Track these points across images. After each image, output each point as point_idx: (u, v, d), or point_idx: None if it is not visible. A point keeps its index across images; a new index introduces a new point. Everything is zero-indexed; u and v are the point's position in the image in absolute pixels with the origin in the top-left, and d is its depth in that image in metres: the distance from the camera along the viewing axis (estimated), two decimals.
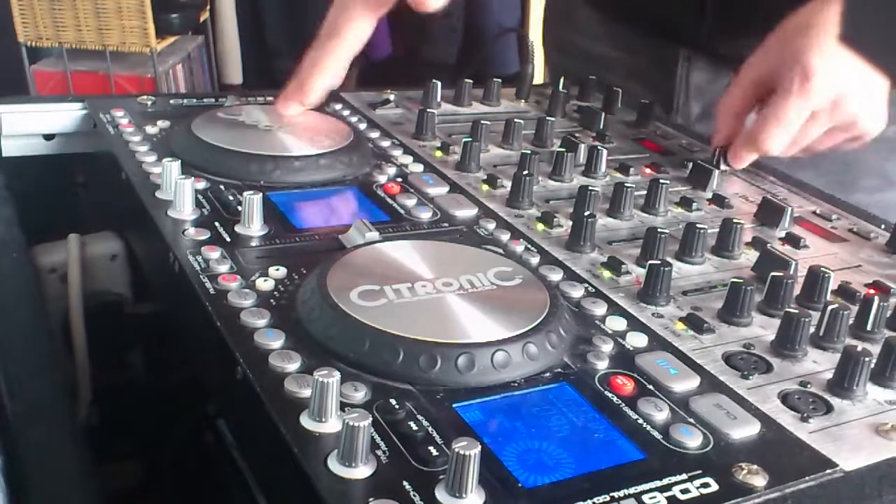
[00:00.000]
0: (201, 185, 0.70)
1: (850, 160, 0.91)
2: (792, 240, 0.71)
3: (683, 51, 1.03)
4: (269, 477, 0.50)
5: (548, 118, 0.89)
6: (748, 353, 0.55)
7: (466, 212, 0.71)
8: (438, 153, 0.83)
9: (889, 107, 0.77)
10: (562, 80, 0.99)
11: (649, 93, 1.00)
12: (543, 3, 1.25)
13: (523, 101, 1.02)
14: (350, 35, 0.79)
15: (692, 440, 0.46)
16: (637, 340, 0.55)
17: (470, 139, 0.81)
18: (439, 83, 0.96)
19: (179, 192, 0.65)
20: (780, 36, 0.77)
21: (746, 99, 0.80)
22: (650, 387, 0.50)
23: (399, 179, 0.76)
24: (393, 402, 0.46)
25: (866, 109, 0.76)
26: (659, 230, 0.65)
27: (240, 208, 0.65)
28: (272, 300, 0.55)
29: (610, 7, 1.09)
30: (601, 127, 0.93)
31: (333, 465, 0.41)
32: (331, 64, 0.80)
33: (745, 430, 0.47)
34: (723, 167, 0.82)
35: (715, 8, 0.95)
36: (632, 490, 0.42)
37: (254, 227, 0.63)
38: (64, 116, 0.87)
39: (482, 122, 0.85)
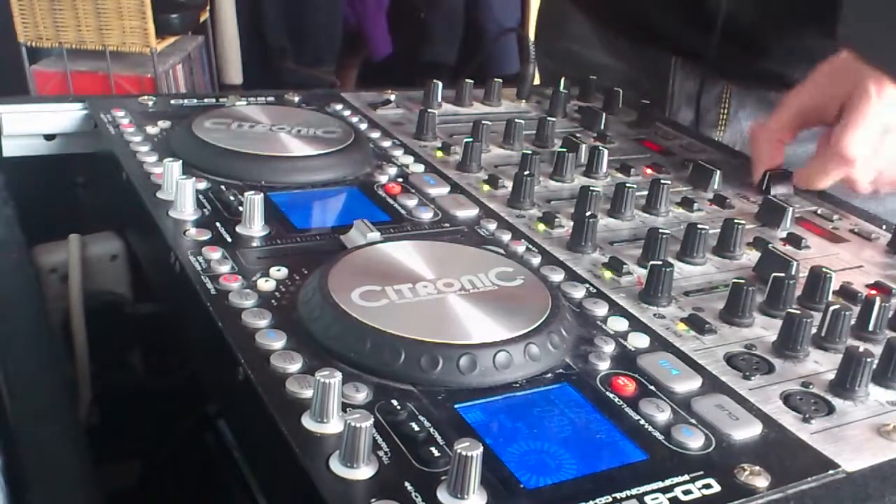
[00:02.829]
0: (202, 185, 0.70)
1: None
2: (793, 240, 0.71)
3: (675, 59, 1.03)
4: (270, 477, 0.50)
5: (549, 118, 0.89)
6: (750, 354, 0.55)
7: (467, 212, 0.71)
8: (439, 153, 0.83)
9: None
10: (562, 81, 0.99)
11: (641, 100, 1.00)
12: (537, 9, 1.25)
13: (524, 101, 1.02)
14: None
15: (694, 441, 0.46)
16: (638, 341, 0.55)
17: (471, 139, 0.81)
18: (440, 83, 0.96)
19: (180, 192, 0.65)
20: (828, 71, 0.78)
21: (788, 128, 0.81)
22: (652, 387, 0.50)
23: (400, 180, 0.76)
24: (394, 402, 0.46)
25: None
26: (660, 230, 0.65)
27: (241, 208, 0.64)
28: (273, 301, 0.54)
29: (604, 16, 1.09)
30: (602, 127, 0.93)
31: (335, 465, 0.41)
32: None
33: (746, 430, 0.47)
34: (773, 191, 0.80)
35: (725, 27, 0.95)
36: (634, 491, 0.42)
37: (255, 227, 0.63)
38: (64, 116, 0.87)
39: (483, 122, 0.84)
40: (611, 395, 0.49)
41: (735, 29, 0.95)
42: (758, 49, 0.95)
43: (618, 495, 0.42)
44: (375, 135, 0.86)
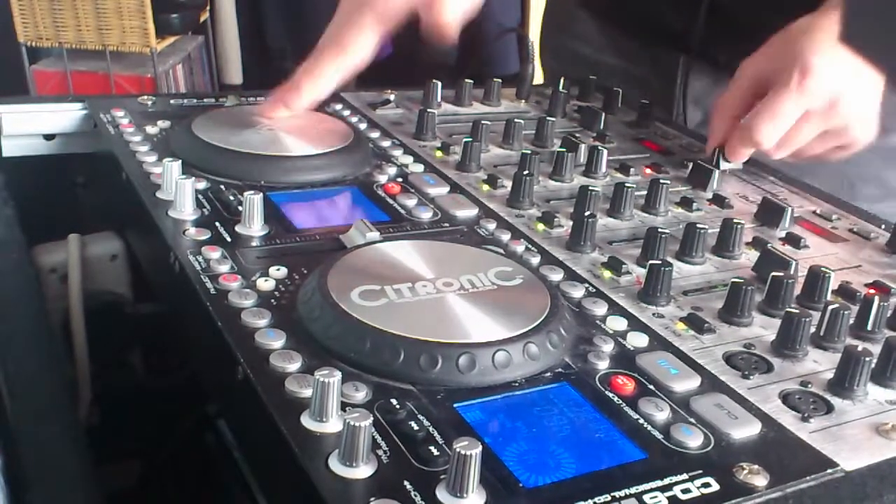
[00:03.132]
0: (202, 185, 0.70)
1: (850, 169, 0.91)
2: (792, 240, 0.71)
3: (683, 58, 1.03)
4: (270, 477, 0.50)
5: (548, 118, 0.89)
6: (749, 353, 0.55)
7: (467, 212, 0.71)
8: (439, 153, 0.83)
9: (887, 115, 0.77)
10: (562, 81, 0.99)
11: (649, 100, 1.00)
12: (543, 10, 1.25)
13: (523, 101, 1.02)
14: (353, 48, 0.78)
15: (693, 440, 0.46)
16: (638, 340, 0.55)
17: (470, 139, 0.81)
18: (439, 83, 0.96)
19: (180, 192, 0.65)
20: (782, 38, 0.77)
21: (744, 99, 0.80)
22: (651, 387, 0.50)
23: (399, 179, 0.76)
24: (394, 401, 0.46)
25: (859, 116, 0.76)
26: (659, 230, 0.65)
27: (240, 208, 0.65)
28: (273, 300, 0.54)
29: (607, 14, 1.09)
30: (601, 127, 0.93)
31: (334, 464, 0.41)
32: (327, 73, 0.79)
33: (745, 429, 0.47)
34: (722, 166, 0.82)
35: (708, 15, 0.95)
36: (633, 490, 0.42)
37: (254, 227, 0.63)
38: (64, 116, 0.87)
39: (482, 122, 0.85)
40: (610, 395, 0.49)
41: (719, 7, 0.95)
42: (744, 32, 0.95)
43: (617, 494, 0.42)
44: (375, 135, 0.86)
